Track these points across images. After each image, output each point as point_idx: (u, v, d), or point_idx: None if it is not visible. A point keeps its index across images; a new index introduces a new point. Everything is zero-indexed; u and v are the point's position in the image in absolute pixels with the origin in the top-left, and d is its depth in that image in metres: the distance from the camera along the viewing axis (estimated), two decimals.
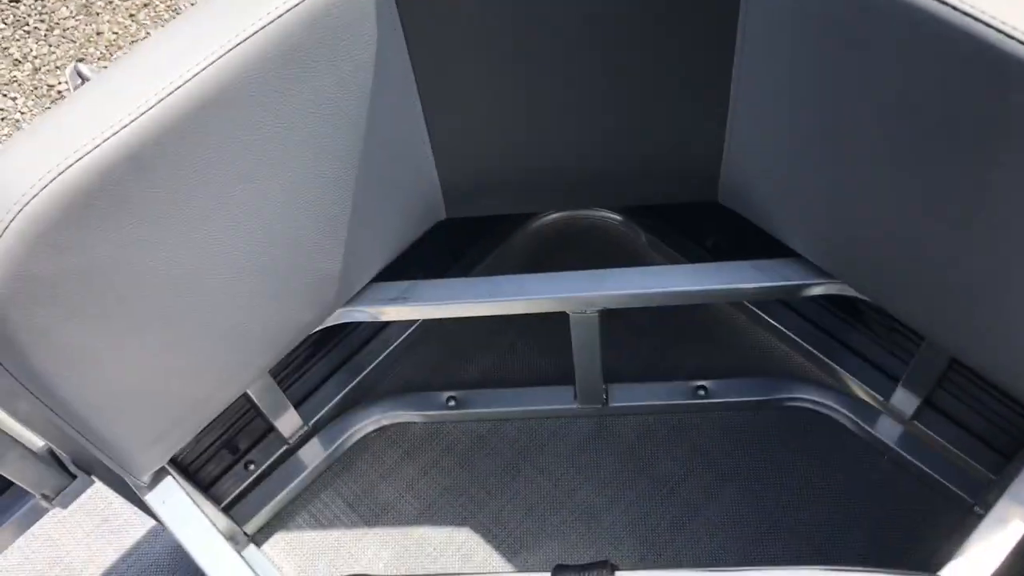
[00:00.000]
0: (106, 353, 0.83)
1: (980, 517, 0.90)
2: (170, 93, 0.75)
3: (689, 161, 1.05)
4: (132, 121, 0.74)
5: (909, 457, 1.22)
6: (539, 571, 1.21)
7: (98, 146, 0.73)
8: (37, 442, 1.01)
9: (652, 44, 0.95)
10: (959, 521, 1.19)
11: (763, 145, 0.98)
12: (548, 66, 0.97)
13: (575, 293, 1.09)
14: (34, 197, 0.71)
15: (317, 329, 1.06)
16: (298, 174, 0.90)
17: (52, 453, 1.03)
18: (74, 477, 1.06)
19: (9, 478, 1.00)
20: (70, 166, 0.72)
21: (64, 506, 1.06)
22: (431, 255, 1.33)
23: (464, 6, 0.92)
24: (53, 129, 0.74)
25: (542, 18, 0.93)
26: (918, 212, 0.87)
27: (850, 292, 1.06)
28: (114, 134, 0.74)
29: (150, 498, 0.98)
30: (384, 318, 1.11)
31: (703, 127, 1.01)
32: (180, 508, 0.97)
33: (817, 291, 1.07)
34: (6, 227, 0.71)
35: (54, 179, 0.72)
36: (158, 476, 0.99)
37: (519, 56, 0.96)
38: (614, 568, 0.47)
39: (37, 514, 1.08)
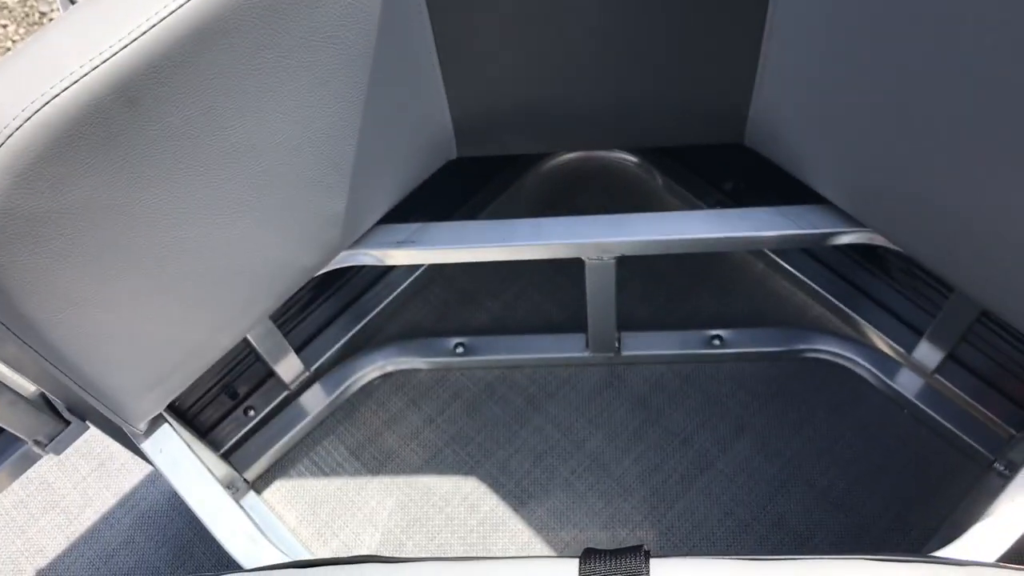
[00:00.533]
0: (97, 296, 0.78)
1: (1003, 476, 0.86)
2: (164, 18, 0.69)
3: (716, 99, 0.99)
4: (123, 48, 0.68)
5: (929, 411, 1.19)
6: (550, 527, 1.19)
7: (86, 75, 0.67)
8: (28, 387, 0.97)
9: None
10: (978, 477, 1.16)
11: (797, 81, 0.92)
12: (565, 7, 0.91)
13: (592, 239, 1.04)
14: (17, 129, 0.66)
15: (320, 272, 1.02)
16: (301, 109, 0.84)
17: (44, 398, 0.99)
18: (68, 423, 1.02)
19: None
20: (56, 96, 0.67)
21: (58, 452, 1.02)
22: (440, 197, 1.28)
23: None
24: (37, 56, 0.68)
25: None
26: (963, 155, 0.82)
27: (880, 241, 1.01)
28: (103, 62, 0.68)
29: (146, 446, 0.94)
30: (390, 262, 1.06)
31: (733, 60, 0.95)
32: (177, 456, 0.94)
33: (845, 240, 1.02)
34: None
35: (39, 110, 0.66)
36: (155, 423, 0.95)
37: None
38: (648, 554, 0.42)
39: (30, 460, 1.05)
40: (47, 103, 0.66)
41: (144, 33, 0.68)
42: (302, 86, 0.83)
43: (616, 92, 1.00)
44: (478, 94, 0.99)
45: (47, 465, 1.31)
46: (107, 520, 1.27)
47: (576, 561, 0.44)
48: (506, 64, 0.97)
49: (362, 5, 0.83)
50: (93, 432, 1.31)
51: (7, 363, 0.91)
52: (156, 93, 0.71)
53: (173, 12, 0.69)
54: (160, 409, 0.94)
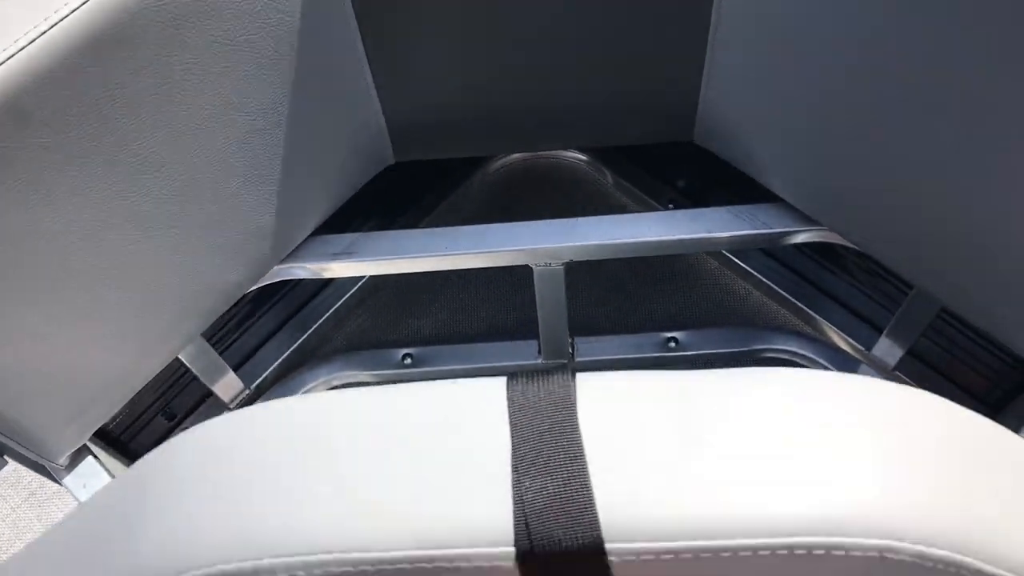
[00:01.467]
0: (1, 325, 0.72)
1: None
2: (52, 26, 0.63)
3: (663, 97, 0.95)
4: (8, 58, 0.62)
5: None
6: None
7: None
8: None
9: None
10: None
11: (743, 79, 0.88)
12: (504, 6, 0.86)
13: (538, 245, 1.00)
14: None
15: (253, 288, 0.96)
16: (216, 120, 0.79)
17: None
18: None
19: None
20: None
21: None
22: (379, 204, 1.23)
23: None
24: None
25: None
26: (914, 151, 0.78)
27: (836, 239, 0.98)
28: None
29: (68, 481, 0.88)
30: (327, 275, 1.01)
31: (680, 57, 0.91)
32: None
33: (801, 239, 0.99)
34: None
35: None
36: (78, 455, 0.89)
37: None
38: (574, 371, 0.41)
39: None
40: None
41: (31, 42, 0.62)
42: (216, 96, 0.77)
43: (559, 92, 0.95)
44: (413, 97, 0.94)
45: None
46: None
47: (504, 380, 0.42)
48: (444, 66, 0.92)
49: (279, 9, 0.78)
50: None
51: None
52: (49, 107, 0.65)
53: (62, 20, 0.64)
54: (82, 441, 0.88)
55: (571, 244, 1.00)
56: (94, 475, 0.89)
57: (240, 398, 1.19)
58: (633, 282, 1.31)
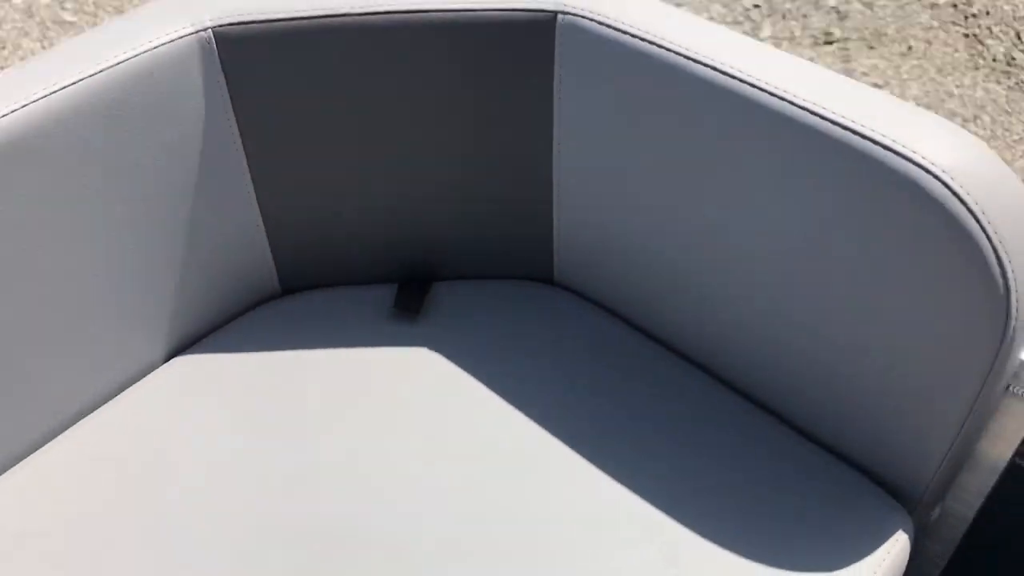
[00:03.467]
0: None
1: None
2: None
3: (520, 241, 1.08)
4: None
5: None
6: None
7: None
8: None
9: (472, 129, 0.98)
10: None
11: (588, 223, 1.02)
12: (377, 145, 0.99)
13: None
14: None
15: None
16: (110, 238, 0.88)
17: None
18: None
19: None
20: None
21: None
22: None
23: (294, 91, 0.93)
24: None
25: (369, 102, 0.95)
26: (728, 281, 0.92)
27: None
28: None
29: None
30: None
31: (531, 208, 1.05)
32: None
33: None
34: None
35: None
36: None
37: (348, 135, 0.98)
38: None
39: None
40: None
41: None
42: (112, 217, 0.86)
43: (429, 229, 1.07)
44: (298, 232, 1.04)
45: None
46: None
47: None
48: (324, 206, 1.03)
49: (179, 143, 0.89)
50: None
51: None
52: None
53: None
54: None
55: None
56: None
57: None
58: None
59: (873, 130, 0.76)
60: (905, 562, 0.86)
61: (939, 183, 0.73)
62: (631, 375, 0.99)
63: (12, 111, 0.77)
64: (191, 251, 0.97)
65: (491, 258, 1.10)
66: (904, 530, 0.86)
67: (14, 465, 0.91)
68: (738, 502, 0.87)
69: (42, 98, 0.78)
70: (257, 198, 1.00)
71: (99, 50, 0.84)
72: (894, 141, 0.75)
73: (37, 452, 0.91)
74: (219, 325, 1.05)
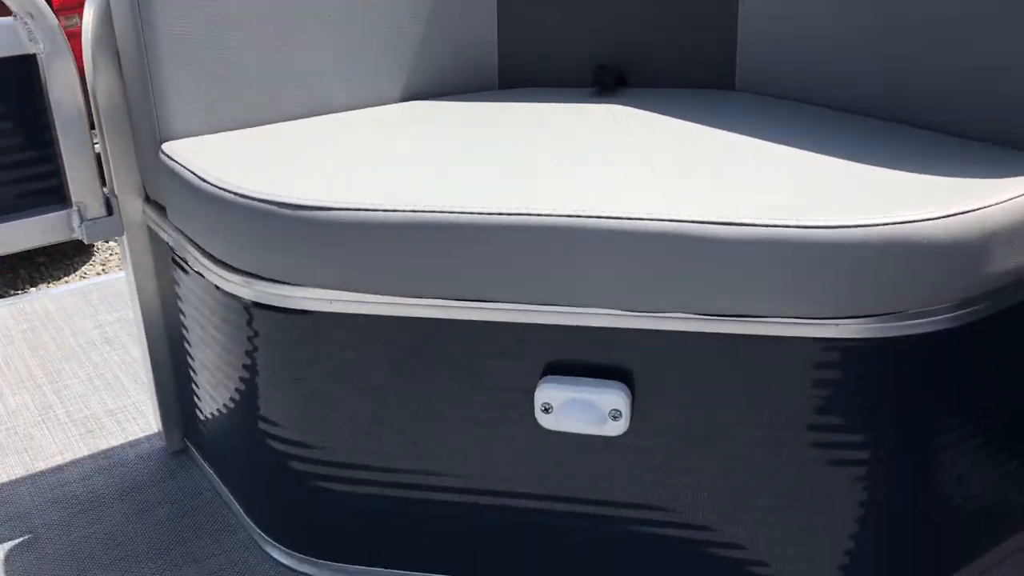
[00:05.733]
0: None
1: None
2: None
3: (705, 47, 1.06)
4: None
5: None
6: None
7: None
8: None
9: None
10: None
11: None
12: None
13: None
14: None
15: None
16: None
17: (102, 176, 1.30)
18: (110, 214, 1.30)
19: None
20: None
21: (89, 238, 1.25)
22: None
23: None
24: None
25: None
26: None
27: None
28: None
29: None
30: None
31: (716, 18, 1.21)
32: None
33: None
34: None
35: None
36: None
37: None
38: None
39: (62, 229, 1.27)
40: None
41: None
42: None
43: (621, 35, 1.31)
44: (521, 32, 1.38)
45: None
46: None
47: None
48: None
49: None
50: None
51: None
52: None
53: None
54: None
55: None
56: None
57: None
58: None
59: None
60: None
61: None
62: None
63: None
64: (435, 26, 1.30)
65: (677, 65, 1.26)
66: None
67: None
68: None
69: None
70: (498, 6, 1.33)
71: None
72: None
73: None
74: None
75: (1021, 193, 0.94)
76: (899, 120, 1.19)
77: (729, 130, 1.19)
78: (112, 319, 1.88)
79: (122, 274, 2.06)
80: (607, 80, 1.37)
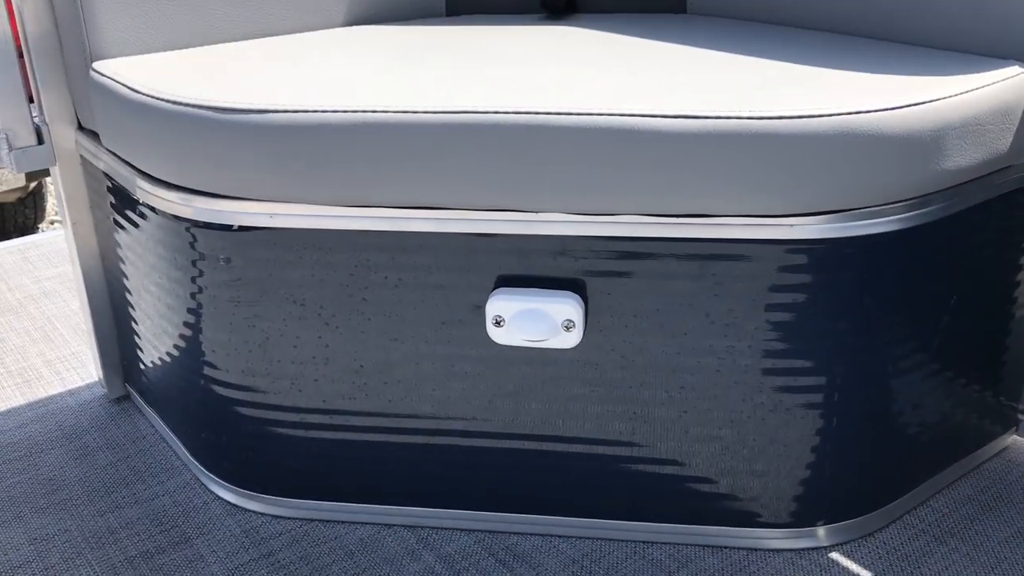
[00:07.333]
0: None
1: None
2: None
3: None
4: None
5: None
6: None
7: None
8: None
9: None
10: None
11: None
12: None
13: None
14: None
15: None
16: None
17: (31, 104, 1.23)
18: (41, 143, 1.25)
19: None
20: None
21: (17, 169, 1.20)
22: None
23: None
24: None
25: None
26: None
27: None
28: None
29: None
30: None
31: None
32: None
33: None
34: None
35: None
36: None
37: None
38: None
39: None
40: None
41: None
42: None
43: None
44: None
45: None
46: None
47: None
48: None
49: None
50: None
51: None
52: None
53: None
54: None
55: None
56: None
57: None
58: None
59: None
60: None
61: None
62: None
63: None
64: None
65: None
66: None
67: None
68: None
69: None
70: None
71: None
72: None
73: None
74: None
75: (976, 87, 0.93)
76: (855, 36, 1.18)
77: (681, 43, 1.16)
78: (51, 274, 1.81)
79: (60, 232, 1.99)
80: (556, 3, 1.34)
